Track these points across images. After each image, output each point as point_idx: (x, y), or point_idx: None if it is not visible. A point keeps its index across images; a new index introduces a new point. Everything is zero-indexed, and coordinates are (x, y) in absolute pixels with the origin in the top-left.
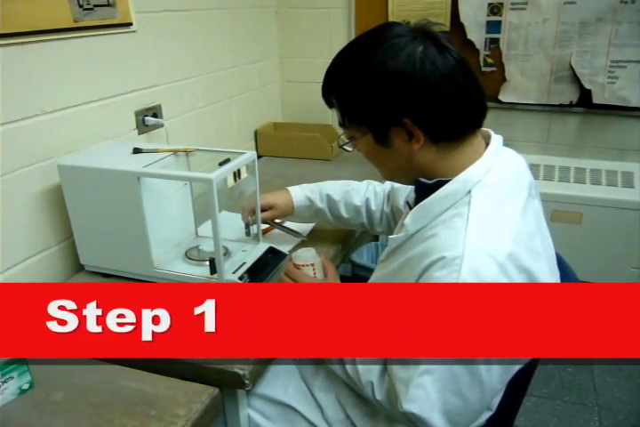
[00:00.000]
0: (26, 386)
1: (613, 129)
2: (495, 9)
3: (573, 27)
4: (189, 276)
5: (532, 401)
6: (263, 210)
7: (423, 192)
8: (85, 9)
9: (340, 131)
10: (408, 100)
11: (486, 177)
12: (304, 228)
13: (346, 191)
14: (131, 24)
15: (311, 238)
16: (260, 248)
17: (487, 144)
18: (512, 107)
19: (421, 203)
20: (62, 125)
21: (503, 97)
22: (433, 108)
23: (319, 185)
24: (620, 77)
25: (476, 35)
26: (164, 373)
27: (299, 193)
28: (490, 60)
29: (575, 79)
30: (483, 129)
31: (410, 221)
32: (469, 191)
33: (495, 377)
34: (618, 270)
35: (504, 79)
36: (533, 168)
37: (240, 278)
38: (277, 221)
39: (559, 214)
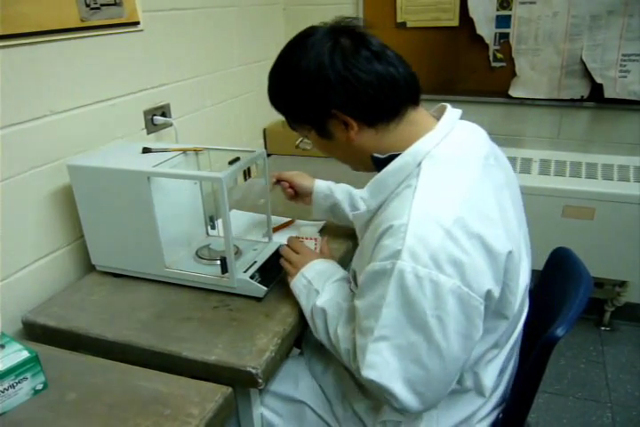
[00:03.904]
0: (40, 387)
1: (625, 123)
2: (505, 3)
3: (584, 20)
4: (201, 275)
5: (545, 398)
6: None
7: (380, 167)
8: (92, 8)
9: None
10: (328, 93)
11: (436, 148)
12: (316, 224)
13: None
14: (138, 23)
15: (323, 235)
16: (271, 247)
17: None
18: (522, 102)
19: (375, 177)
20: (71, 126)
21: (513, 92)
22: (354, 97)
23: (341, 184)
24: (631, 71)
25: (486, 29)
26: (178, 372)
27: (321, 181)
28: (499, 55)
29: (586, 73)
30: (442, 104)
31: (366, 195)
32: (420, 164)
33: (454, 344)
34: (631, 266)
35: (514, 74)
36: (544, 164)
37: (251, 278)
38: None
39: (571, 210)
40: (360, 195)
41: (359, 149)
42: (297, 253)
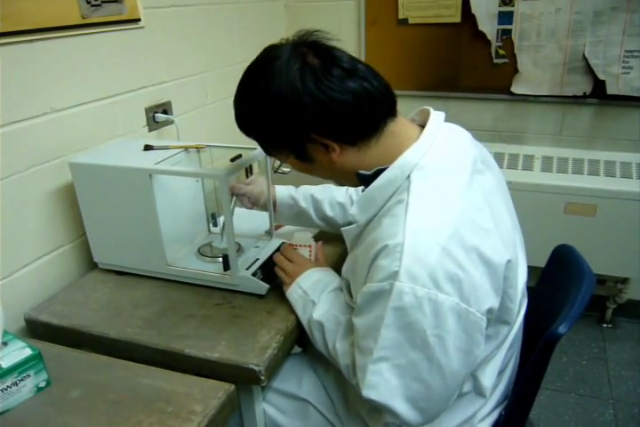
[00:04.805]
0: (42, 384)
1: (628, 120)
2: None
3: (587, 16)
4: (203, 273)
5: (547, 395)
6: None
7: (367, 184)
8: (93, 5)
9: None
10: (305, 118)
11: (424, 159)
12: (311, 230)
13: (330, 192)
14: (139, 20)
15: (319, 238)
16: (273, 244)
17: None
18: (524, 99)
19: (364, 192)
20: (72, 123)
21: (515, 89)
22: (332, 120)
23: (302, 187)
24: (634, 68)
25: (488, 26)
26: (180, 369)
27: (283, 190)
28: (502, 52)
29: (589, 70)
30: (423, 108)
31: (356, 211)
32: (409, 176)
33: (455, 361)
34: (633, 263)
35: (516, 71)
36: (546, 160)
37: (253, 275)
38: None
39: (573, 207)
40: (350, 211)
41: (342, 169)
42: (291, 261)
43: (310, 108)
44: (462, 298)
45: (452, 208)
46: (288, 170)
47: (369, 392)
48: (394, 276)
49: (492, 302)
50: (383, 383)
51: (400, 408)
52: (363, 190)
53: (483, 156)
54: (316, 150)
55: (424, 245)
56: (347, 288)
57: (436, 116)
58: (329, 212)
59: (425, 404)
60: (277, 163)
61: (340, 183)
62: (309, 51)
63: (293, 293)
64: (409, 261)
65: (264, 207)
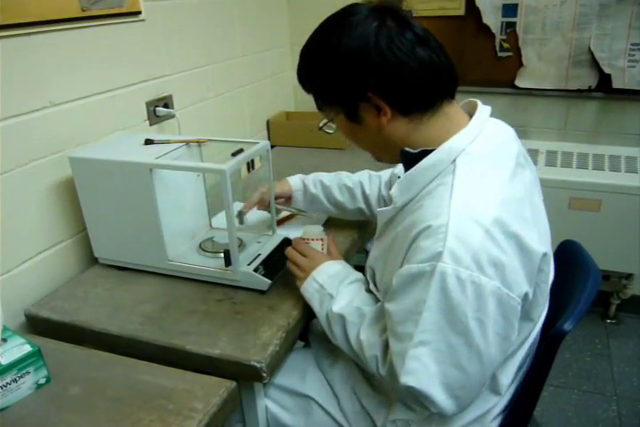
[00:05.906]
0: (42, 381)
1: (633, 114)
2: None
3: (592, 9)
4: (204, 268)
5: (550, 391)
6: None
7: (409, 163)
8: None
9: None
10: (368, 75)
11: (471, 146)
12: (318, 218)
13: (339, 178)
14: (139, 13)
15: (327, 228)
16: (275, 239)
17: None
18: (529, 92)
19: (407, 173)
20: (72, 117)
21: (520, 82)
22: (393, 82)
23: (313, 173)
24: None
25: (492, 19)
26: (182, 366)
27: (295, 178)
28: (506, 45)
29: (594, 63)
30: (471, 100)
31: (396, 192)
32: (454, 160)
33: (493, 346)
34: (637, 259)
35: (521, 64)
36: (551, 155)
37: (255, 270)
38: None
39: (578, 202)
40: (390, 192)
41: (388, 138)
42: (304, 255)
43: (376, 66)
44: (504, 282)
45: (495, 195)
46: (332, 131)
47: (408, 379)
48: (437, 257)
49: (527, 288)
50: (422, 369)
51: (438, 397)
52: (391, 178)
53: (523, 152)
54: (367, 111)
55: (468, 227)
56: (372, 278)
57: (484, 109)
58: (339, 196)
59: (461, 392)
60: (324, 121)
61: (379, 157)
62: (388, 14)
63: (309, 287)
64: (453, 243)
65: (288, 202)
